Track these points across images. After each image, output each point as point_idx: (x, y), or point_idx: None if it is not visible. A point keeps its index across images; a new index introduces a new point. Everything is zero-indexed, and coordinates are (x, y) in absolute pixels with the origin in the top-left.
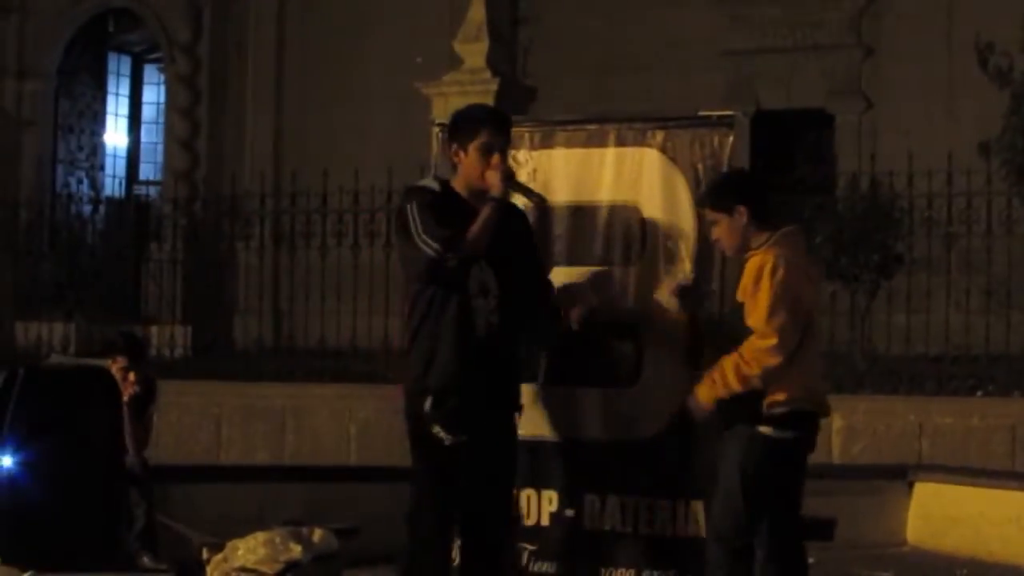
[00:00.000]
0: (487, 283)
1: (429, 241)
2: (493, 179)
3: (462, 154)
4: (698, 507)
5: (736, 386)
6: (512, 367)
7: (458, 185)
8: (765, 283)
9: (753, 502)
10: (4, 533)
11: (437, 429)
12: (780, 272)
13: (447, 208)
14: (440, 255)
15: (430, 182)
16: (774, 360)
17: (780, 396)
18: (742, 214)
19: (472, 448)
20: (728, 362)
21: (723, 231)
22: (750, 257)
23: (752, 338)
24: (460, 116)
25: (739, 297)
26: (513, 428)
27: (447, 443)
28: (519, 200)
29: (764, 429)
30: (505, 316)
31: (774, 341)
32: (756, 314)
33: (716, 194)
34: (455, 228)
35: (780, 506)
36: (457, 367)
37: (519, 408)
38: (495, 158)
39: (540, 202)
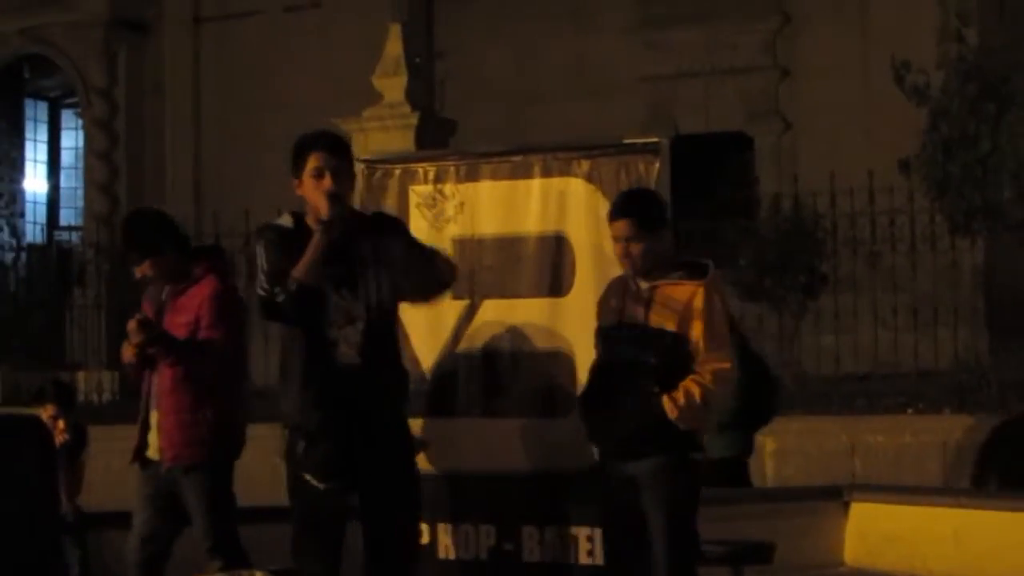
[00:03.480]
0: (352, 311)
1: (261, 279)
2: (320, 201)
3: (301, 184)
4: None
5: (705, 410)
6: (391, 396)
7: (309, 218)
8: (719, 315)
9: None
10: None
11: (309, 476)
12: (726, 305)
13: (299, 243)
14: (268, 292)
15: (283, 219)
16: (731, 383)
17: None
18: (665, 239)
19: (352, 491)
20: (695, 387)
21: (643, 250)
22: (666, 287)
23: (710, 363)
24: (294, 147)
25: (670, 326)
26: (401, 461)
27: (321, 489)
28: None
29: (695, 454)
30: (375, 343)
31: (730, 364)
32: (715, 341)
33: (648, 211)
34: (293, 263)
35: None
36: (322, 407)
37: (406, 438)
38: (324, 181)
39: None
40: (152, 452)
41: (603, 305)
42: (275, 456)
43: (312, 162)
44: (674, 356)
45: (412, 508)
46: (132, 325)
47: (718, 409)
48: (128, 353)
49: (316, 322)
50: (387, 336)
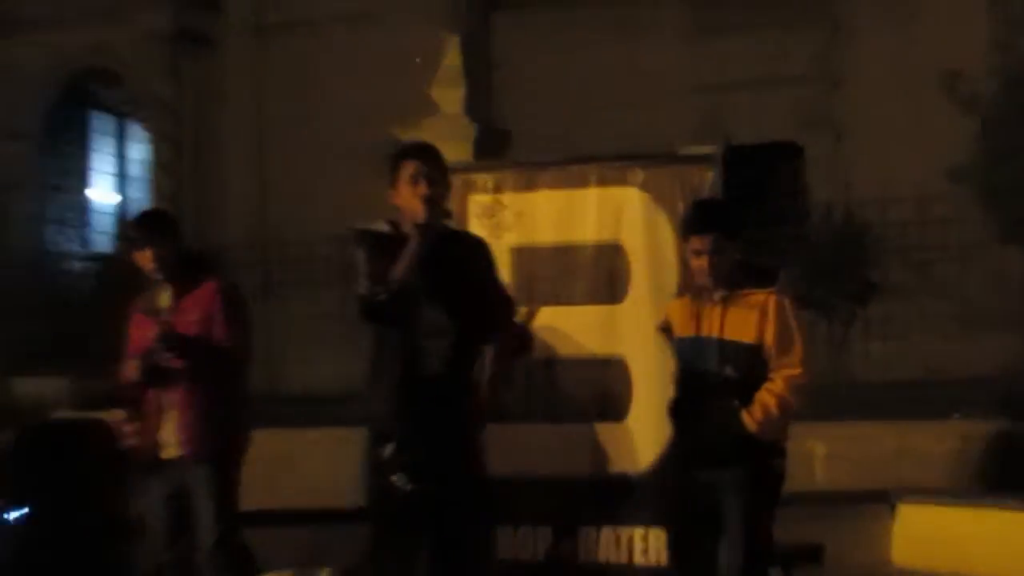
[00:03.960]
0: (440, 323)
1: (361, 279)
2: (416, 206)
3: (396, 192)
4: None
5: (783, 419)
6: (471, 409)
7: (405, 225)
8: (793, 323)
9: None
10: None
11: (397, 477)
12: (797, 314)
13: (396, 249)
14: (369, 290)
15: (379, 223)
16: (803, 388)
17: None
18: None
19: (435, 495)
20: (772, 398)
21: (726, 261)
22: (740, 297)
23: (783, 369)
24: (390, 158)
25: (747, 339)
26: (477, 471)
27: (408, 490)
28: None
29: (776, 460)
30: (460, 356)
31: (801, 371)
32: (794, 351)
33: (729, 222)
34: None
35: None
36: (412, 413)
37: (480, 450)
38: (420, 186)
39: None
40: (170, 451)
41: (675, 315)
42: (339, 460)
43: (408, 169)
44: (752, 367)
45: (486, 517)
46: (157, 334)
47: (793, 415)
48: (132, 370)
49: (409, 329)
50: (473, 348)
